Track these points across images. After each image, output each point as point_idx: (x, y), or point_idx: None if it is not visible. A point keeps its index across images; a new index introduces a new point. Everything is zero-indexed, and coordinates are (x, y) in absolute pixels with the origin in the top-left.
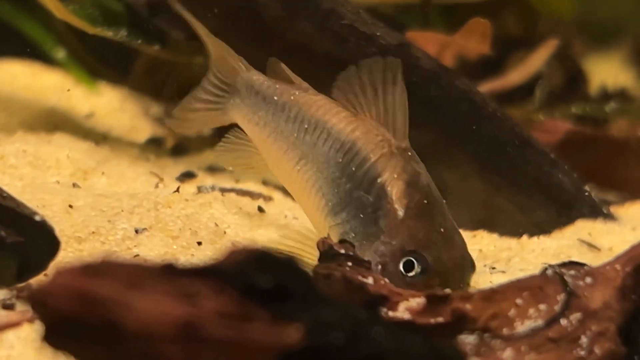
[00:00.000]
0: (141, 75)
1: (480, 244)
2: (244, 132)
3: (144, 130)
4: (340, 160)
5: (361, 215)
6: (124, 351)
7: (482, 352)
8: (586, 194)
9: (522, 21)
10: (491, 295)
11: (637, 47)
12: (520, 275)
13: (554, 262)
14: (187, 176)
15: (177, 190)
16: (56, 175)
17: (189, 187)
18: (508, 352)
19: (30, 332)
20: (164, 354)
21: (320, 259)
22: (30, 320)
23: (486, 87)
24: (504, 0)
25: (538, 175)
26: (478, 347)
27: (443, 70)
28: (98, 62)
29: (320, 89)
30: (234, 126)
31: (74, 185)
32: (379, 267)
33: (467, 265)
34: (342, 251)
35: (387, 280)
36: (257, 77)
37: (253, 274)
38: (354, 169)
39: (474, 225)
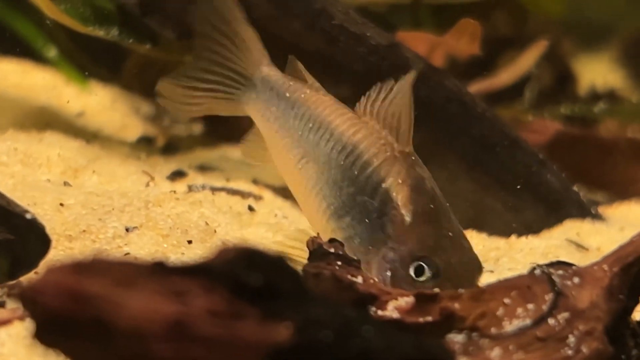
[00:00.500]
0: (132, 74)
1: None
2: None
3: (135, 129)
4: (342, 162)
5: (366, 221)
6: (114, 349)
7: (470, 351)
8: (574, 194)
9: (511, 21)
10: (479, 294)
11: (627, 47)
12: (508, 274)
13: (542, 261)
14: (177, 175)
15: (174, 191)
16: (47, 174)
17: (180, 186)
18: (496, 351)
19: (20, 330)
20: (154, 352)
21: (309, 258)
22: (21, 318)
23: (476, 87)
24: (494, 0)
25: (527, 175)
26: (466, 346)
27: (432, 70)
28: (89, 60)
29: None
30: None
31: (65, 183)
32: (389, 273)
33: (476, 267)
34: (332, 250)
35: (390, 283)
36: (273, 73)
37: (243, 273)
38: (356, 172)
39: (463, 225)
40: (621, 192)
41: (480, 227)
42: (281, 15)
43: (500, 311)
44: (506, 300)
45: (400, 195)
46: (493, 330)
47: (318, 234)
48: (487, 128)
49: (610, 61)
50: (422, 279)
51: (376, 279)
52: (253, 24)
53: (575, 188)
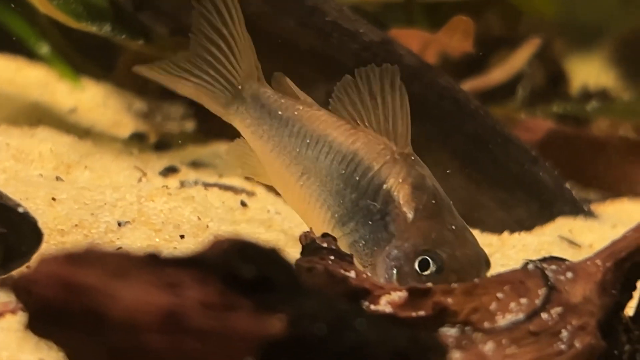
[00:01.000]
0: (125, 71)
1: None
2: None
3: (127, 125)
4: (343, 172)
5: (370, 223)
6: (107, 340)
7: (463, 345)
8: (567, 191)
9: (504, 20)
10: (472, 289)
11: (618, 48)
12: (501, 271)
13: (534, 258)
14: (170, 171)
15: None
16: (39, 169)
17: (172, 182)
18: (489, 345)
19: (12, 323)
20: (148, 343)
21: (302, 252)
22: (13, 311)
23: (469, 85)
24: (486, 0)
25: (519, 172)
26: (459, 340)
27: (426, 67)
28: (82, 57)
29: (304, 84)
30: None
31: (57, 178)
32: (394, 270)
33: (482, 261)
34: (325, 245)
35: (400, 280)
36: (264, 90)
37: (236, 265)
38: (357, 178)
39: None
40: (613, 190)
41: (473, 224)
42: (275, 12)
43: (493, 305)
44: (499, 295)
45: (401, 194)
46: (486, 324)
47: (311, 228)
48: (480, 125)
49: (602, 61)
50: (427, 272)
51: (382, 279)
52: (247, 21)
53: (567, 186)
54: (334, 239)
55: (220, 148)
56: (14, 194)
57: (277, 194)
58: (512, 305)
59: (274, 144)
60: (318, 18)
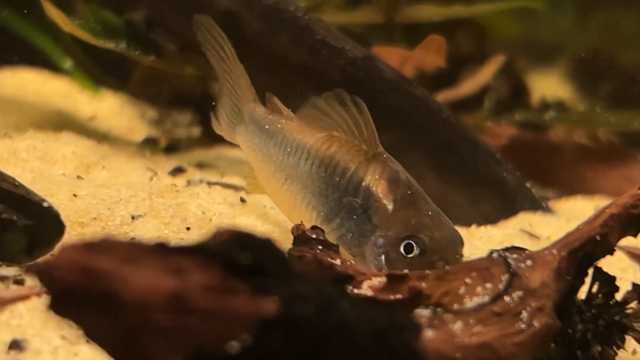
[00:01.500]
0: (139, 83)
1: None
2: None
3: (140, 131)
4: (323, 174)
5: (354, 217)
6: (120, 319)
7: (435, 324)
8: (528, 190)
9: (473, 40)
10: (444, 275)
11: (574, 64)
12: (469, 259)
13: (499, 248)
14: (178, 171)
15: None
16: (62, 169)
17: (180, 181)
18: (458, 325)
19: (37, 304)
20: (156, 322)
21: (294, 243)
22: (38, 294)
23: (442, 96)
24: (457, 21)
25: (486, 173)
26: (432, 320)
27: (403, 80)
28: (101, 71)
29: (296, 94)
30: None
31: (78, 177)
32: (383, 256)
33: (458, 240)
34: (314, 236)
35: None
36: (258, 109)
37: (235, 253)
38: (337, 179)
39: None
40: (568, 189)
41: None
42: (270, 31)
43: (462, 290)
44: (467, 280)
45: (379, 189)
46: (455, 306)
47: (302, 222)
48: (452, 132)
49: (559, 76)
50: (412, 255)
51: (372, 265)
52: (245, 39)
53: (528, 185)
54: (322, 231)
55: (222, 151)
56: (40, 190)
57: None
58: (479, 289)
59: (262, 155)
60: (309, 37)
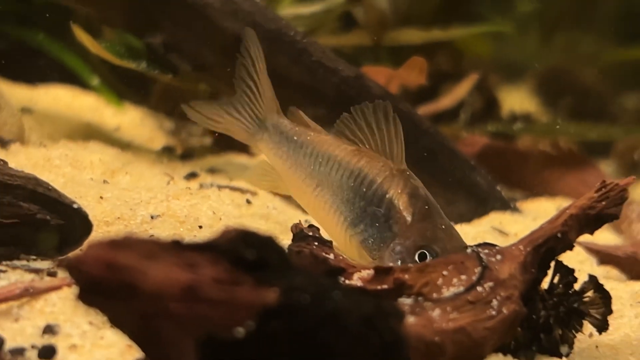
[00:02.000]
0: (158, 98)
1: None
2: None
3: (159, 140)
4: (352, 184)
5: (377, 225)
6: (140, 307)
7: (416, 311)
8: (498, 192)
9: (450, 59)
10: (424, 267)
11: (539, 80)
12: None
13: (472, 244)
14: (192, 176)
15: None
16: (90, 174)
17: (194, 184)
18: (436, 311)
19: (68, 294)
20: (172, 310)
21: (293, 239)
22: (69, 285)
23: (423, 109)
24: (437, 43)
25: (461, 177)
26: (413, 307)
27: (389, 96)
28: (124, 87)
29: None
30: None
31: (104, 181)
32: (399, 262)
33: None
34: (310, 233)
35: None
36: (282, 121)
37: (241, 249)
38: (364, 189)
39: None
40: (533, 191)
41: None
42: (272, 53)
43: (440, 281)
44: (445, 272)
45: (401, 202)
46: (434, 295)
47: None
48: (431, 141)
49: (526, 91)
50: None
51: None
52: None
53: (498, 188)
54: (318, 229)
55: (232, 158)
56: (71, 193)
57: (276, 194)
58: (455, 280)
59: (291, 163)
60: (306, 58)
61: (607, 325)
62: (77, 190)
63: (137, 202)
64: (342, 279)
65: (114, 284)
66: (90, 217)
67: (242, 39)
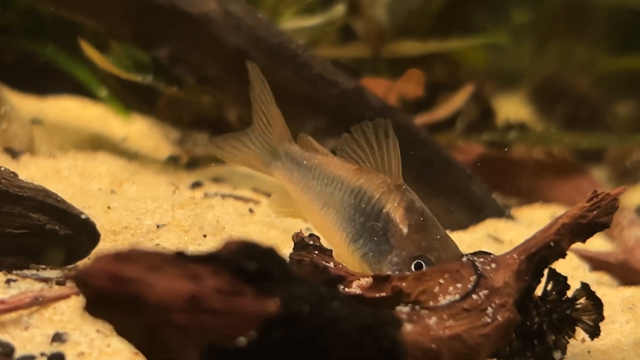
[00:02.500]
0: (164, 108)
1: None
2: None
3: (165, 150)
4: (353, 201)
5: (375, 239)
6: (145, 318)
7: (413, 319)
8: (493, 200)
9: (447, 70)
10: (421, 276)
11: (533, 89)
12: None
13: (468, 251)
14: (196, 185)
15: (194, 197)
16: (99, 184)
17: (198, 193)
18: (433, 319)
19: (77, 303)
20: (176, 320)
21: (294, 248)
22: (77, 294)
23: (420, 119)
24: (434, 54)
25: (457, 186)
26: (411, 315)
27: (387, 107)
28: (132, 98)
29: (296, 120)
30: None
31: (112, 191)
32: (397, 273)
33: None
34: (311, 242)
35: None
36: (293, 147)
37: (243, 261)
38: (364, 206)
39: None
40: (528, 198)
41: None
42: (274, 66)
43: (436, 289)
44: (441, 281)
45: (397, 215)
46: (431, 303)
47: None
48: (429, 151)
49: (520, 99)
50: None
51: None
52: None
53: (493, 196)
54: (318, 238)
55: (235, 168)
56: (79, 203)
57: None
58: (451, 288)
59: (302, 186)
60: (307, 71)
61: (599, 331)
62: (86, 201)
63: (144, 212)
64: (342, 286)
65: (119, 296)
66: (98, 227)
67: (244, 52)
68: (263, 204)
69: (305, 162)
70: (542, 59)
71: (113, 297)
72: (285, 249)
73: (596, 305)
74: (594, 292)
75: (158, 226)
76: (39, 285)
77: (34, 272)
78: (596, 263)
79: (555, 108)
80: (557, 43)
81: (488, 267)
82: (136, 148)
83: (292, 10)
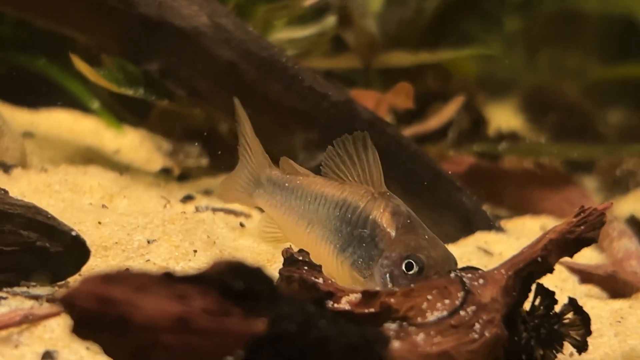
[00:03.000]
0: (155, 120)
1: None
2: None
3: (157, 162)
4: (338, 214)
5: (364, 245)
6: (133, 339)
7: (401, 336)
8: (483, 212)
9: (439, 80)
10: (409, 292)
11: (525, 99)
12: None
13: (458, 264)
14: (188, 198)
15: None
16: (90, 199)
17: (189, 207)
18: (421, 336)
19: (67, 320)
20: (163, 341)
21: (283, 264)
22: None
23: (411, 130)
24: (425, 65)
25: (447, 198)
26: (398, 332)
27: (378, 120)
28: (124, 110)
29: (287, 132)
30: None
31: (103, 206)
32: (387, 275)
33: (451, 258)
34: (300, 258)
35: (391, 284)
36: (274, 173)
37: (230, 281)
38: (350, 216)
39: None
40: (518, 209)
41: None
42: (266, 79)
43: (424, 305)
44: (429, 297)
45: (383, 220)
46: (419, 319)
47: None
48: (418, 163)
49: (512, 109)
50: (412, 272)
51: (380, 283)
52: (244, 86)
53: (484, 207)
54: (307, 253)
55: None
56: (70, 218)
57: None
58: (439, 304)
59: (285, 208)
60: (298, 84)
61: (587, 345)
62: (77, 216)
63: (134, 227)
64: (331, 302)
65: (107, 318)
66: (89, 243)
67: (235, 66)
68: (254, 218)
69: (287, 184)
70: (533, 68)
71: (100, 319)
72: (275, 264)
73: (583, 320)
74: (581, 307)
75: (149, 241)
76: (29, 303)
77: (24, 289)
78: (585, 275)
79: (546, 117)
80: (547, 52)
81: (476, 283)
82: (128, 160)
83: (283, 22)
